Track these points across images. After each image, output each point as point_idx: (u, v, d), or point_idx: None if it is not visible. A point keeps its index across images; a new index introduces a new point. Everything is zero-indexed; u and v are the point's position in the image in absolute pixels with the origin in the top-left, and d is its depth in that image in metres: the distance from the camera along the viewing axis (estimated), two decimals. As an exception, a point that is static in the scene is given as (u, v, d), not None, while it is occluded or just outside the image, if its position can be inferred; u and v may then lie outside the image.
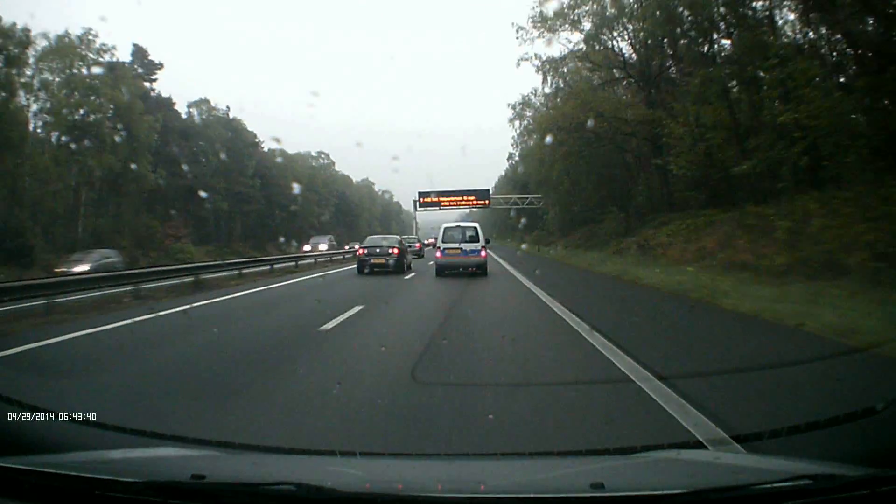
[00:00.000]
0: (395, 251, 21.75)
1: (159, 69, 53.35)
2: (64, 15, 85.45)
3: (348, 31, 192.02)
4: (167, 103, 55.15)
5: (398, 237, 25.98)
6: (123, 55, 50.47)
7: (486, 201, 59.27)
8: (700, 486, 1.88)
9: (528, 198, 57.64)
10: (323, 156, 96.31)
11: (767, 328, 8.07)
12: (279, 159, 78.75)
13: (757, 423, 3.83)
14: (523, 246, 48.13)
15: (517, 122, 58.72)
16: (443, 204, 58.11)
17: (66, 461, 2.37)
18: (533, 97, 55.17)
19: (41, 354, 7.26)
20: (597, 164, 37.10)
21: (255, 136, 71.17)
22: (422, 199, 58.50)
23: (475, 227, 19.65)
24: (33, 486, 1.93)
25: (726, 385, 5.08)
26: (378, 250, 21.80)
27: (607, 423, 4.17)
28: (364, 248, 22.52)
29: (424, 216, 63.50)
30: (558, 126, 32.98)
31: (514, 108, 57.04)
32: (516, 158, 77.13)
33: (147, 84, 51.98)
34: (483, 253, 19.09)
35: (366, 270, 21.45)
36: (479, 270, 18.87)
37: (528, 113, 55.71)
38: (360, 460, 2.97)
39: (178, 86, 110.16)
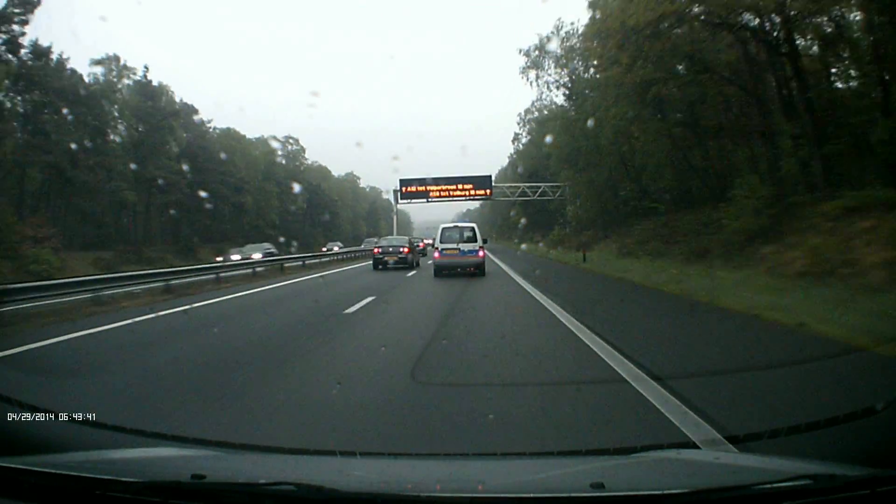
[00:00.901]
0: (406, 250, 25.05)
1: (37, 6, 38.02)
2: (64, 14, 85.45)
3: (348, 31, 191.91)
4: (44, 52, 40.34)
5: (408, 238, 29.24)
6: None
7: (488, 191, 47.56)
8: (700, 486, 1.88)
9: (540, 186, 47.16)
10: (291, 141, 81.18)
11: None
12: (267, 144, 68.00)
13: (757, 423, 3.83)
14: (523, 246, 44.75)
15: (532, 74, 41.52)
16: (432, 194, 46.45)
17: (66, 461, 2.37)
18: (554, 36, 39.91)
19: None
20: (686, 108, 24.09)
21: (193, 109, 58.13)
22: (404, 189, 46.76)
23: (473, 228, 19.88)
24: (33, 486, 1.93)
25: (727, 385, 5.08)
26: (391, 249, 25.18)
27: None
28: (379, 247, 26.06)
29: (420, 215, 59.34)
30: (629, 31, 18.92)
31: (527, 54, 41.12)
32: (524, 141, 63.52)
33: (16, 27, 36.99)
34: (481, 253, 19.31)
35: (380, 267, 24.56)
36: (478, 271, 19.03)
37: (549, 64, 40.70)
38: (360, 460, 2.97)
39: (177, 86, 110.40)
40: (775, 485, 1.77)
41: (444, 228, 19.73)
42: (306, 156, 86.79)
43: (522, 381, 5.58)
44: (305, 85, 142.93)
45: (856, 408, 3.69)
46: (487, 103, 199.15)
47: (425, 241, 42.25)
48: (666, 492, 1.76)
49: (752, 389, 4.96)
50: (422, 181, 46.63)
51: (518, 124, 68.15)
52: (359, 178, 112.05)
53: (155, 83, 53.27)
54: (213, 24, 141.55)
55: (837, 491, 1.74)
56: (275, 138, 79.27)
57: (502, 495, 1.97)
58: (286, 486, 1.79)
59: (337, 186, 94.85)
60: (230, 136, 65.80)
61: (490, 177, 48.97)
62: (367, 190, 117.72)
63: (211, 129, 63.25)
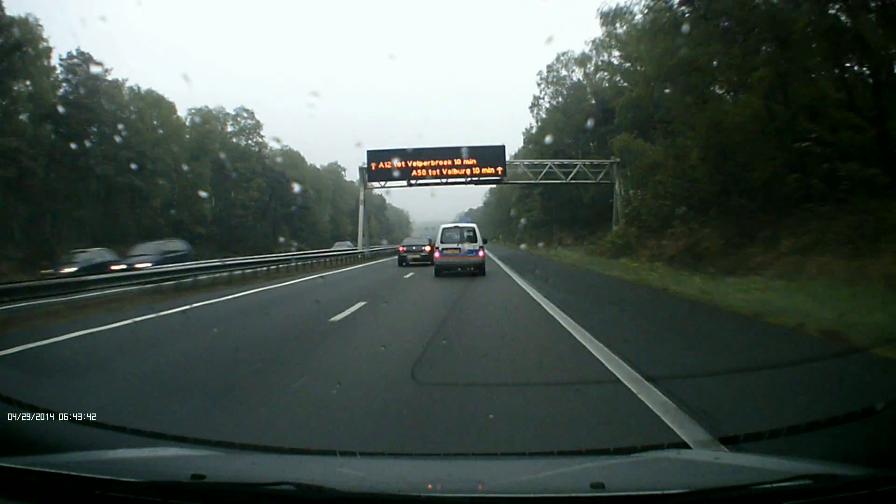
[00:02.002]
0: (427, 248, 27.04)
1: None
2: (65, 14, 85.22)
3: (348, 31, 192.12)
4: None
5: (428, 238, 30.98)
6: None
7: (500, 169, 34.63)
8: (700, 486, 1.88)
9: (576, 164, 35.73)
10: (244, 114, 62.67)
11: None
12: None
13: (757, 423, 3.83)
14: (522, 246, 41.86)
15: None
16: (416, 174, 34.18)
17: (66, 461, 2.37)
18: None
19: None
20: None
21: (88, 57, 41.53)
22: (373, 166, 34.95)
23: (473, 228, 20.18)
24: (33, 486, 1.93)
25: (729, 385, 5.09)
26: (414, 248, 28.04)
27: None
28: (404, 246, 28.78)
29: (421, 215, 52.60)
30: None
31: None
32: (546, 107, 49.53)
33: None
34: (481, 253, 19.55)
35: (404, 264, 27.03)
36: (478, 270, 19.23)
37: None
38: (360, 460, 2.98)
39: (177, 87, 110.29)
40: (775, 485, 1.77)
41: (444, 228, 20.00)
42: (273, 139, 71.45)
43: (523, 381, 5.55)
44: (305, 85, 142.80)
45: (856, 408, 3.69)
46: (489, 102, 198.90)
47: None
48: (666, 492, 1.76)
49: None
50: (401, 154, 33.76)
51: (538, 85, 52.57)
52: (344, 170, 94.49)
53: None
54: (212, 23, 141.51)
55: (837, 491, 1.75)
56: (223, 111, 61.36)
57: (502, 495, 1.98)
58: (286, 486, 1.79)
59: (313, 177, 77.79)
60: (142, 98, 48.20)
61: (503, 148, 34.90)
62: (356, 183, 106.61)
63: (112, 86, 45.86)
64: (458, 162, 33.99)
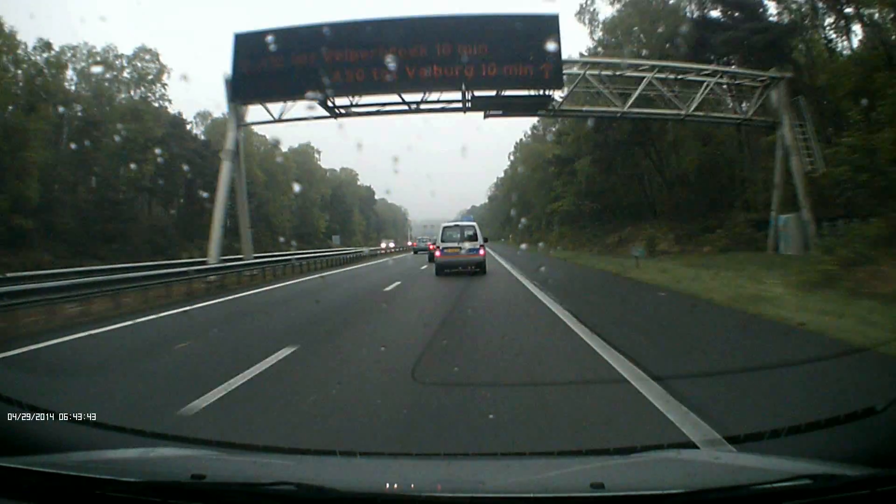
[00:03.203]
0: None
1: None
2: (65, 14, 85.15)
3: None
4: None
5: (431, 236, 31.35)
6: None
7: (547, 67, 17.58)
8: (700, 486, 1.88)
9: (704, 82, 19.20)
10: (144, 54, 44.32)
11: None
12: None
13: (757, 423, 3.82)
14: (523, 246, 42.94)
15: None
16: (343, 77, 16.81)
17: (66, 461, 2.36)
18: None
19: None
20: None
21: None
22: (246, 70, 17.53)
23: (474, 227, 20.26)
24: (33, 486, 1.93)
25: (728, 385, 5.08)
26: None
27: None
28: (433, 244, 28.47)
29: (421, 213, 43.85)
30: None
31: None
32: (602, 10, 34.71)
33: None
34: (482, 251, 19.65)
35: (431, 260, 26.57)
36: (479, 269, 19.32)
37: None
38: (360, 460, 2.98)
39: (180, 90, 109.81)
40: (775, 485, 1.77)
41: (445, 227, 20.10)
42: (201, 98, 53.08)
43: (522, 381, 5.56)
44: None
45: (856, 408, 3.69)
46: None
47: (417, 240, 43.70)
48: (666, 492, 1.76)
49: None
50: (309, 37, 16.88)
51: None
52: (318, 153, 75.60)
53: None
54: (211, 23, 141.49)
55: (837, 491, 1.74)
56: (115, 50, 43.40)
57: (502, 495, 1.98)
58: (286, 486, 1.79)
59: (267, 156, 59.18)
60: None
61: (555, 20, 17.86)
62: (338, 171, 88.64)
63: None
64: (447, 50, 15.90)
